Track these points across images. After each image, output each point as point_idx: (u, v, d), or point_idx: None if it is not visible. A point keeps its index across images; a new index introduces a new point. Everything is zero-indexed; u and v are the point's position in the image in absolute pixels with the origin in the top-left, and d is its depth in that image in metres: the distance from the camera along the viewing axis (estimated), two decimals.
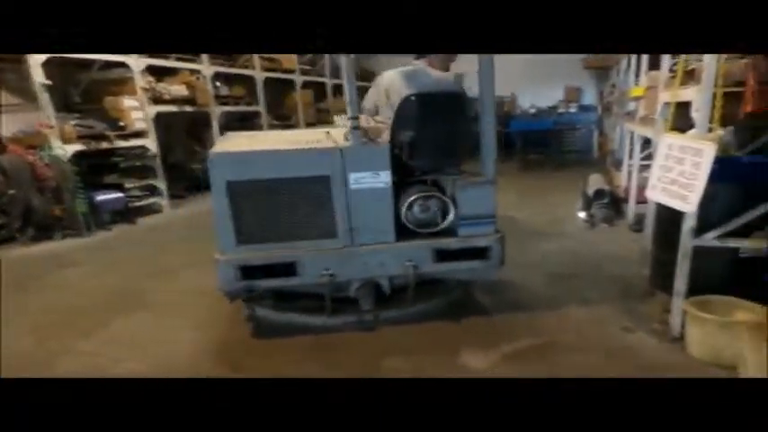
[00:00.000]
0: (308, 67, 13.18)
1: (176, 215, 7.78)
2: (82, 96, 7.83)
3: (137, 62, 7.61)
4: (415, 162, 3.35)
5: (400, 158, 3.28)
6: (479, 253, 3.33)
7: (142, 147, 7.68)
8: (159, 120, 8.02)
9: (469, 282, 3.74)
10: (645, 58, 6.16)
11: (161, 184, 8.04)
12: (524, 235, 5.52)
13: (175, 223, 7.19)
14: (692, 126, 3.34)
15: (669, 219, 3.40)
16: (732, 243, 3.01)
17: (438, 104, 3.35)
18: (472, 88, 3.46)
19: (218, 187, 3.05)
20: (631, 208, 5.76)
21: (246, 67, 10.65)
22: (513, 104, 14.06)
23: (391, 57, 15.28)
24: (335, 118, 4.33)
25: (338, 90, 14.44)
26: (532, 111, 13.13)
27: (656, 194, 3.19)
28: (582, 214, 6.20)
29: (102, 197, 6.75)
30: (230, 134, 4.10)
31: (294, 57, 12.27)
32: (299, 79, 12.40)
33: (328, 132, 3.65)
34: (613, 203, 6.17)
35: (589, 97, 14.63)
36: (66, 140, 6.47)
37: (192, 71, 9.05)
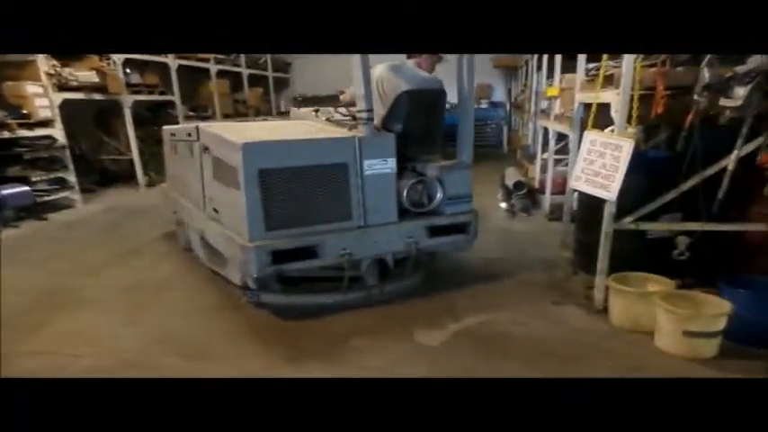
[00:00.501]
0: (222, 57, 12.76)
1: (90, 210, 7.30)
2: None
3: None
4: (409, 149, 3.66)
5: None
6: (461, 228, 3.84)
7: (48, 137, 7.09)
8: (65, 108, 7.46)
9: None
10: (558, 60, 6.68)
11: (71, 177, 7.48)
12: None
13: (90, 219, 6.76)
14: (607, 125, 3.78)
15: (590, 206, 3.83)
16: (644, 226, 3.45)
17: (430, 99, 3.85)
18: None
19: (250, 175, 3.12)
20: (547, 199, 6.28)
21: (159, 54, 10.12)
22: None
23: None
24: (320, 110, 4.49)
25: (255, 80, 14.14)
26: (446, 106, 13.63)
27: (580, 185, 3.57)
28: (503, 205, 6.65)
29: (6, 191, 6.18)
30: (222, 124, 4.41)
31: None
32: (213, 68, 11.98)
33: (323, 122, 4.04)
34: (530, 195, 6.69)
35: (498, 94, 15.44)
36: None
37: (101, 56, 8.47)
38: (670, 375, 2.65)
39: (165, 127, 5.31)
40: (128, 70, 9.24)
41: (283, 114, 14.67)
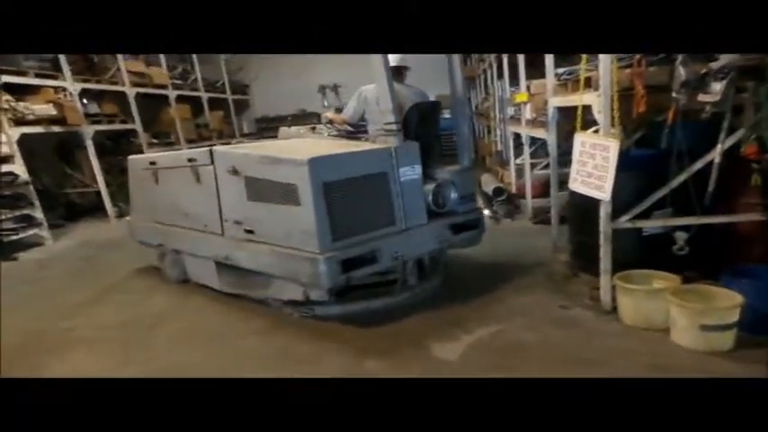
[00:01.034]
0: (180, 82, 12.53)
1: (62, 247, 6.99)
2: None
3: None
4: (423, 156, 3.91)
5: None
6: (474, 224, 4.25)
7: (9, 173, 6.77)
8: (23, 143, 7.13)
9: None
10: (522, 67, 6.81)
11: (38, 214, 7.15)
12: None
13: (64, 256, 6.46)
14: (586, 126, 3.85)
15: (583, 207, 3.88)
16: (641, 224, 3.52)
17: (432, 109, 4.36)
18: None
19: (316, 189, 3.26)
20: (529, 203, 6.36)
21: (115, 83, 9.84)
22: None
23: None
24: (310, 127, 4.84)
25: (215, 104, 13.92)
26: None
27: (576, 186, 3.61)
28: (486, 211, 6.69)
29: None
30: (246, 146, 4.55)
31: (165, 71, 11.63)
32: (172, 94, 11.75)
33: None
34: (510, 200, 6.77)
35: None
36: None
37: (57, 88, 8.17)
38: (694, 370, 2.68)
39: (132, 156, 5.16)
40: (84, 101, 8.96)
41: (247, 136, 14.49)
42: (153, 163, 4.65)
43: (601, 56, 3.30)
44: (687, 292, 3.11)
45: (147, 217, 4.92)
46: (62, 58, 8.18)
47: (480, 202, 7.02)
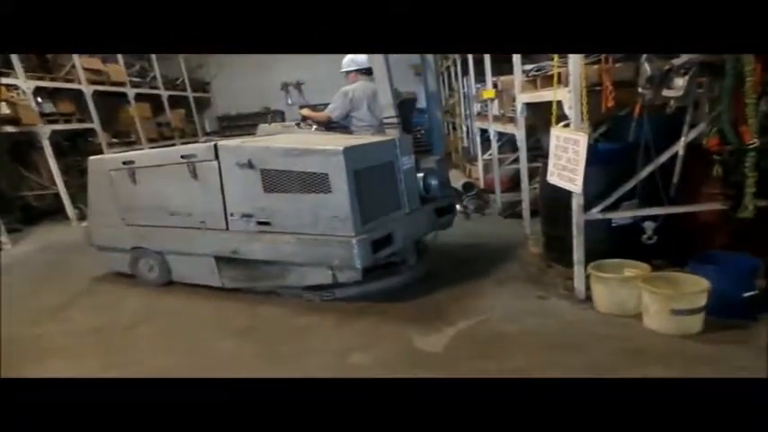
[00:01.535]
0: (138, 80, 12.18)
1: (23, 251, 6.70)
2: None
3: None
4: None
5: None
6: (449, 209, 4.66)
7: None
8: None
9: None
10: (488, 64, 6.92)
11: None
12: None
13: (26, 261, 6.20)
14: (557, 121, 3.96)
15: (555, 200, 4.00)
16: (611, 215, 3.65)
17: (411, 106, 4.98)
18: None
19: (349, 176, 3.51)
20: (498, 197, 6.49)
21: (71, 81, 9.49)
22: None
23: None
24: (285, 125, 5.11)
25: (175, 102, 13.59)
26: None
27: (554, 180, 3.71)
28: (457, 207, 6.79)
29: None
30: (257, 139, 4.52)
31: (123, 68, 11.28)
32: (131, 92, 11.41)
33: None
34: (479, 195, 6.88)
35: (422, 101, 15.75)
36: None
37: (9, 86, 7.81)
38: (666, 352, 2.82)
39: (93, 157, 4.98)
40: (39, 99, 8.60)
41: (209, 134, 14.22)
42: (129, 162, 4.49)
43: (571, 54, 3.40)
44: (657, 279, 3.25)
45: (114, 220, 4.71)
46: (13, 54, 7.82)
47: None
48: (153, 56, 12.76)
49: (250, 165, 3.82)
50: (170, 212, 4.36)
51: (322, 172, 3.56)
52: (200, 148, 4.20)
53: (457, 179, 7.46)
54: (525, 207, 5.14)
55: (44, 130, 8.15)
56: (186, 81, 14.54)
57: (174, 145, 10.02)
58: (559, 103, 3.86)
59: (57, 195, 8.28)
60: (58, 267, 5.77)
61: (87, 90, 9.73)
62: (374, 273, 4.00)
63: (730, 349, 2.80)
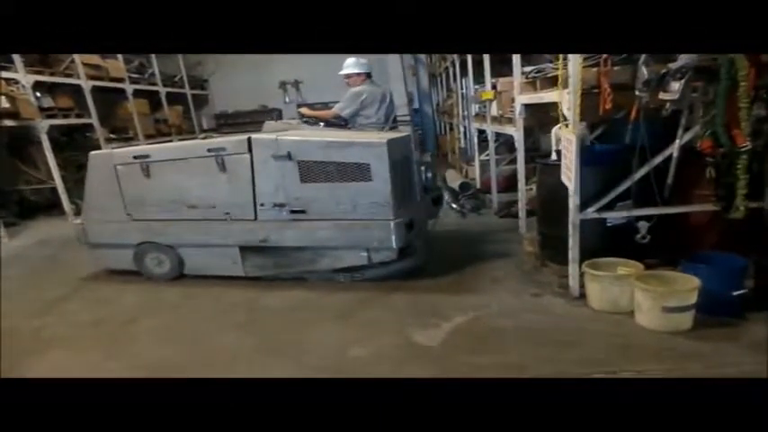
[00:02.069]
0: (136, 76, 12.18)
1: (20, 245, 6.72)
2: None
3: None
4: None
5: None
6: (439, 200, 5.17)
7: None
8: None
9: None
10: (488, 66, 6.99)
11: None
12: None
13: (24, 254, 6.23)
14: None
15: (551, 201, 4.07)
16: (606, 215, 3.72)
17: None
18: None
19: (391, 166, 3.94)
20: (494, 197, 6.56)
21: (70, 75, 9.49)
22: None
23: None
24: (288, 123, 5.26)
25: (173, 99, 13.60)
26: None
27: (564, 179, 3.78)
28: (453, 206, 6.85)
29: None
30: (295, 133, 4.65)
31: (121, 64, 11.29)
32: (129, 88, 11.41)
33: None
34: (475, 195, 6.94)
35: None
36: None
37: (8, 80, 7.81)
38: (658, 349, 2.89)
39: (96, 152, 4.95)
40: (38, 94, 8.60)
41: (207, 132, 14.22)
42: (142, 156, 4.51)
43: (570, 55, 3.46)
44: (649, 277, 3.33)
45: (118, 216, 4.68)
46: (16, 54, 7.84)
47: (446, 196, 7.20)
48: None
49: (289, 157, 4.05)
50: (189, 205, 4.44)
51: (364, 162, 3.94)
52: (231, 141, 4.34)
53: (454, 179, 7.53)
54: (521, 207, 5.21)
55: (42, 125, 8.14)
56: (184, 78, 14.54)
57: (171, 141, 10.06)
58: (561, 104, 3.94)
59: (53, 190, 8.28)
60: (56, 261, 5.79)
61: (86, 85, 9.73)
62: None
63: (719, 346, 2.87)
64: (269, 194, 4.21)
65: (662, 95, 3.55)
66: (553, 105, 3.98)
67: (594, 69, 3.83)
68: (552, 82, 4.42)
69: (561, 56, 3.83)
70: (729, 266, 3.31)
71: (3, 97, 7.38)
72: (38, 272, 5.47)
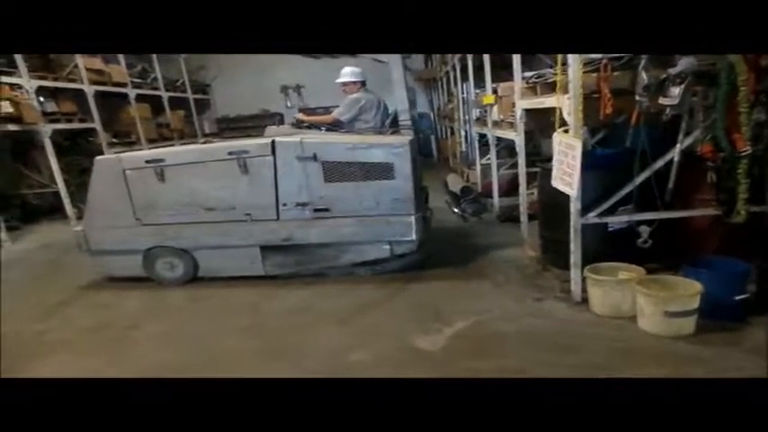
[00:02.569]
0: (139, 80, 12.24)
1: (22, 249, 6.77)
2: None
3: None
4: None
5: None
6: (426, 198, 5.19)
7: None
8: None
9: None
10: (488, 71, 7.01)
11: None
12: None
13: (26, 258, 6.26)
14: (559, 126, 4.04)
15: (553, 205, 4.07)
16: (608, 219, 3.73)
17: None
18: None
19: (412, 165, 4.30)
20: (496, 202, 6.56)
21: (73, 80, 9.54)
22: None
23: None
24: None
25: (175, 103, 13.64)
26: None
27: (557, 183, 3.78)
28: (455, 210, 6.87)
29: None
30: (317, 136, 4.81)
31: (124, 69, 11.34)
32: (132, 93, 11.46)
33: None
34: (477, 199, 6.95)
35: (420, 105, 15.91)
36: None
37: (12, 85, 7.86)
38: (661, 353, 2.89)
39: (102, 157, 4.88)
40: (41, 98, 8.64)
41: (209, 136, 14.27)
42: (156, 161, 4.52)
43: (570, 61, 3.47)
44: (651, 281, 3.33)
45: (127, 221, 4.61)
46: (15, 54, 7.88)
47: (448, 201, 7.22)
48: (154, 57, 12.82)
49: (314, 158, 4.25)
50: (206, 208, 4.50)
51: (387, 162, 4.24)
52: (254, 144, 4.44)
53: (456, 183, 7.54)
54: (523, 211, 5.21)
55: (46, 129, 8.19)
56: (186, 82, 14.60)
57: (173, 145, 10.08)
58: (561, 109, 3.95)
59: (56, 194, 8.33)
60: (59, 265, 5.81)
61: (89, 90, 9.78)
62: None
63: (721, 350, 2.87)
64: (292, 194, 4.39)
65: (662, 100, 3.56)
66: (553, 110, 3.98)
67: (594, 74, 3.86)
68: (552, 87, 4.44)
69: (561, 61, 3.83)
70: (731, 271, 3.31)
71: (6, 102, 7.42)
72: (41, 276, 5.48)
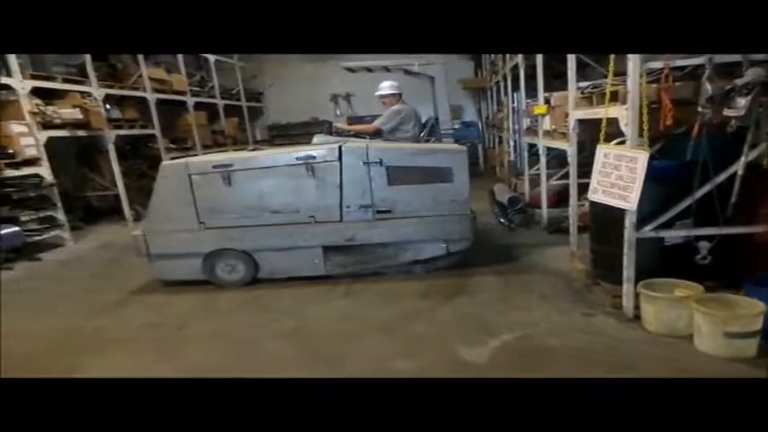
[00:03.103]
0: (198, 89, 12.73)
1: (83, 248, 7.11)
2: None
3: (21, 84, 6.88)
4: None
5: None
6: None
7: (36, 175, 6.92)
8: (48, 146, 7.28)
9: None
10: (540, 80, 6.89)
11: (60, 216, 7.30)
12: None
13: (86, 257, 6.59)
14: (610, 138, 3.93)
15: (606, 218, 3.95)
16: (664, 234, 3.59)
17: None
18: None
19: (467, 169, 4.73)
20: (544, 213, 6.43)
21: (137, 89, 10.04)
22: None
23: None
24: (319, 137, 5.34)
25: (230, 111, 14.09)
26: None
27: (598, 196, 3.68)
28: (501, 220, 6.78)
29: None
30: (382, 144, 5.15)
31: (184, 78, 11.81)
32: (190, 101, 11.93)
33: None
34: (524, 209, 6.83)
35: (468, 114, 15.82)
36: None
37: (83, 93, 8.34)
38: (716, 375, 2.74)
39: (169, 162, 4.98)
40: (108, 106, 9.12)
41: (260, 143, 14.66)
42: (224, 165, 4.66)
43: (629, 70, 3.38)
44: (710, 300, 3.17)
45: (190, 225, 4.69)
46: (88, 63, 8.34)
47: (495, 211, 7.13)
48: (212, 67, 13.30)
49: (380, 163, 4.56)
50: (272, 211, 4.70)
51: (447, 166, 4.62)
52: (323, 150, 4.69)
53: (503, 193, 7.44)
54: (572, 223, 5.08)
55: (110, 135, 8.65)
56: (241, 91, 15.07)
57: (226, 151, 10.40)
58: (609, 120, 3.85)
59: (116, 197, 8.78)
60: (116, 264, 6.06)
61: (151, 98, 10.26)
62: None
63: None
64: (356, 197, 4.67)
65: (727, 111, 3.42)
66: (600, 121, 3.89)
67: (654, 86, 3.74)
68: (613, 97, 4.33)
69: (615, 71, 3.75)
70: None
71: (77, 108, 7.88)
72: (100, 275, 5.74)
